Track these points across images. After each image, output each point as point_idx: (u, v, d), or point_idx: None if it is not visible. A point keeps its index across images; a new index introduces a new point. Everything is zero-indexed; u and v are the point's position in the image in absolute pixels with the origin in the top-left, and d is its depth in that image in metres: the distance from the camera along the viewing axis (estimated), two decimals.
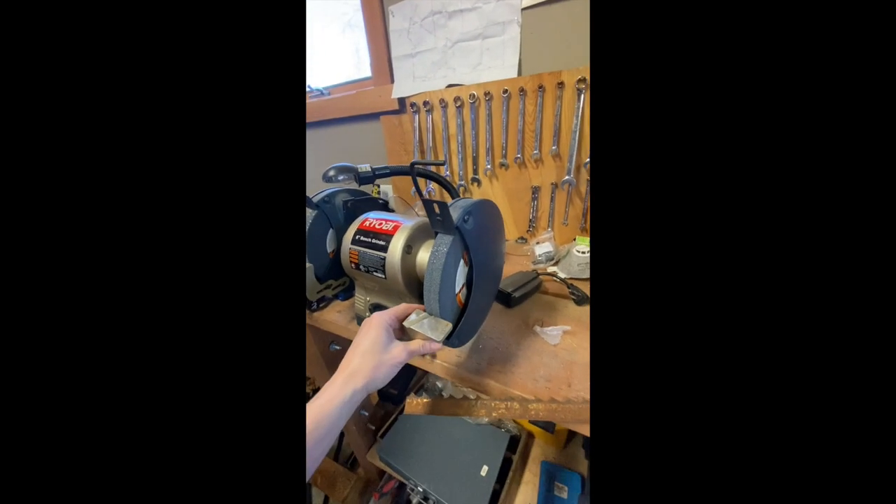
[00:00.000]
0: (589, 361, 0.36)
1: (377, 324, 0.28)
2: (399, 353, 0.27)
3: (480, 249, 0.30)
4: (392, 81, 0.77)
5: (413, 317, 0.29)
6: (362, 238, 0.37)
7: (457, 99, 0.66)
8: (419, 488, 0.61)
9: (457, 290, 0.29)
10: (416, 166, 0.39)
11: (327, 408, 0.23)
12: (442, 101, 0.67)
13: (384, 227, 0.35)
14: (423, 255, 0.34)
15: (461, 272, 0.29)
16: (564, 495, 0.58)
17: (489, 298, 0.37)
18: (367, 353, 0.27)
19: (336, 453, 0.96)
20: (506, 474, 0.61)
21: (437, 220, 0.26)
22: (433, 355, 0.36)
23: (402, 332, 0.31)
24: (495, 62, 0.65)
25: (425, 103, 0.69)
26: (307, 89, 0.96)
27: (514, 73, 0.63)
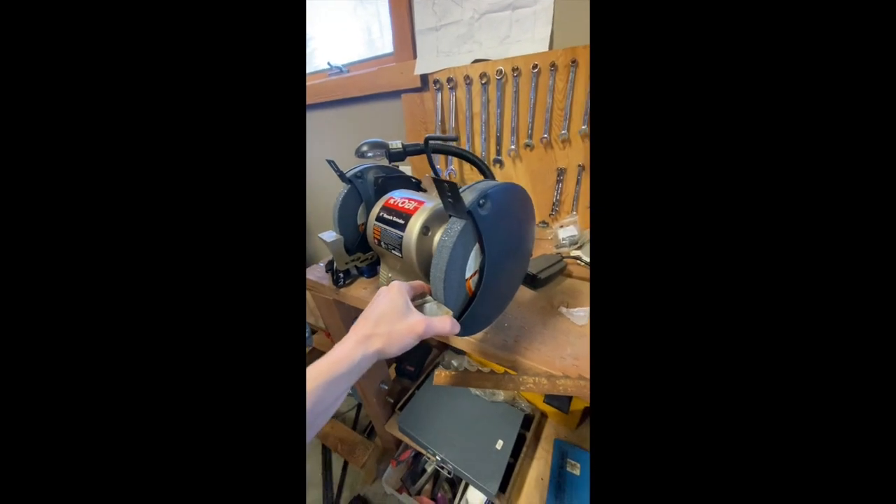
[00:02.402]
0: None
1: (398, 289, 0.26)
2: (418, 324, 0.24)
3: (498, 237, 0.27)
4: (415, 57, 0.75)
5: (419, 299, 0.28)
6: (385, 215, 0.37)
7: (482, 75, 0.63)
8: (437, 457, 0.64)
9: (467, 275, 0.27)
10: (430, 142, 0.38)
11: (335, 368, 0.22)
12: (467, 77, 0.65)
13: (406, 206, 0.35)
14: (439, 238, 0.33)
15: (474, 258, 0.27)
16: (577, 472, 0.60)
17: (509, 289, 0.35)
18: (383, 318, 0.24)
19: (354, 423, 1.02)
20: (520, 450, 0.64)
21: (448, 202, 0.24)
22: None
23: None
24: (525, 35, 0.62)
25: (449, 80, 0.67)
26: (327, 66, 0.94)
27: (545, 47, 0.59)
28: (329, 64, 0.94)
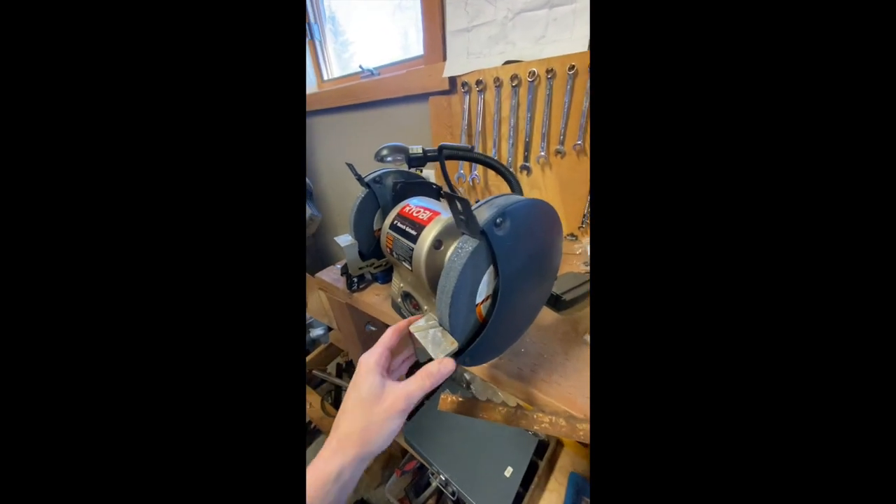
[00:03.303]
0: None
1: (364, 368, 0.23)
2: (397, 401, 0.21)
3: (516, 260, 0.24)
4: (444, 59, 0.73)
5: (422, 322, 0.25)
6: (399, 224, 0.35)
7: (514, 77, 0.60)
8: (441, 476, 0.61)
9: (478, 300, 0.24)
10: (444, 150, 0.35)
11: (310, 493, 0.19)
12: (497, 79, 0.62)
13: (420, 216, 0.33)
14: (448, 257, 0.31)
15: (487, 282, 0.24)
16: None
17: (528, 313, 0.31)
18: (355, 410, 0.21)
19: None
20: (530, 479, 0.59)
21: (459, 220, 0.21)
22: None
23: (402, 347, 0.27)
24: (562, 35, 0.57)
25: (478, 82, 0.65)
26: (359, 69, 0.96)
27: (583, 47, 0.55)
28: (361, 67, 0.96)
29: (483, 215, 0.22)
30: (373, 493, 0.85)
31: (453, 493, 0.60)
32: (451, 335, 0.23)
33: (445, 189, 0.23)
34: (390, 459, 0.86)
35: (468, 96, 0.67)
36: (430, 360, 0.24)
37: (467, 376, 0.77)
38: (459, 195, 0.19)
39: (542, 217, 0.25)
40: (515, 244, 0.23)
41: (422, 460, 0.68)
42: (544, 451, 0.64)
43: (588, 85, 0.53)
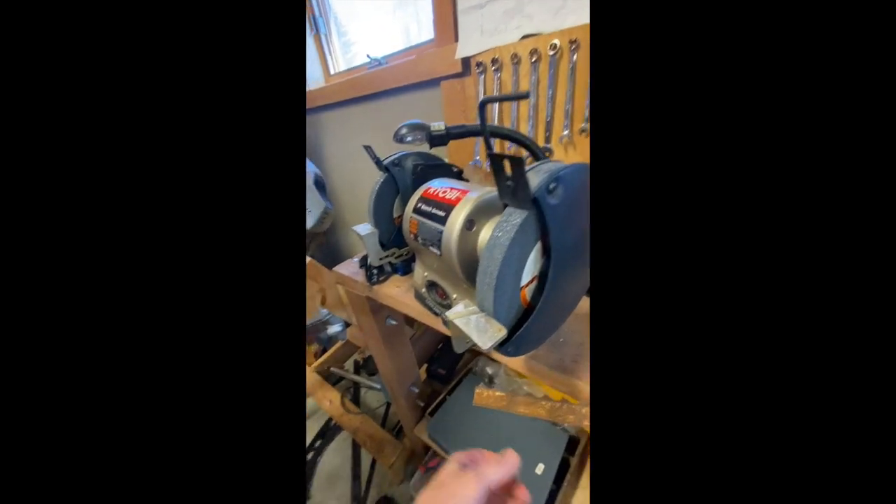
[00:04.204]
0: None
1: (471, 489, 0.19)
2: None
3: (568, 234, 0.21)
4: (456, 40, 0.70)
5: (459, 308, 0.22)
6: (423, 207, 0.32)
7: (533, 52, 0.56)
8: None
9: (523, 283, 0.21)
10: (485, 104, 0.32)
11: None
12: (514, 56, 0.58)
13: (447, 197, 0.30)
14: (486, 234, 0.27)
15: (533, 261, 0.21)
16: None
17: (572, 299, 0.28)
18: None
19: (383, 420, 1.01)
20: (563, 476, 0.56)
21: (506, 187, 0.18)
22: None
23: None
24: (584, 2, 0.53)
25: (494, 61, 0.61)
26: (366, 59, 0.93)
27: None
28: (368, 56, 0.93)
29: (533, 181, 0.19)
30: (396, 490, 0.84)
31: None
32: (496, 321, 0.21)
33: (488, 152, 0.19)
34: (413, 455, 0.85)
35: (483, 77, 0.64)
36: (468, 349, 0.22)
37: (490, 370, 0.75)
38: (514, 155, 0.16)
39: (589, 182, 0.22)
40: (570, 214, 0.20)
41: (446, 457, 0.66)
42: (576, 448, 0.61)
43: None
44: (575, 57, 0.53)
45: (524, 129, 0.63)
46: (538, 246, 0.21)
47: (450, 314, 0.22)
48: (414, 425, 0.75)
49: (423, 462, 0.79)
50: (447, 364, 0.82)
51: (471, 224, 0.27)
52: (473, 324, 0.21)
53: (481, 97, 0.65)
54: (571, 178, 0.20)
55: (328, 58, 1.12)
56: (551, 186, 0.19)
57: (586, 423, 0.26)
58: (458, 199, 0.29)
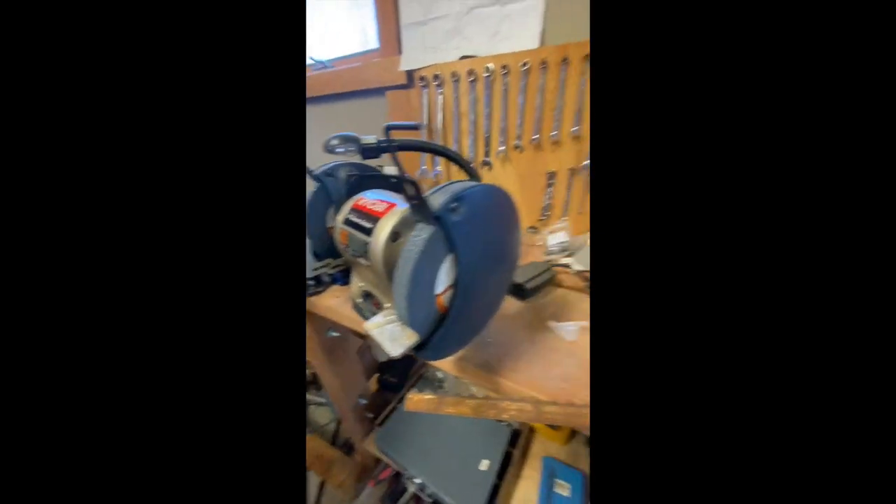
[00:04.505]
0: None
1: None
2: None
3: (475, 246, 0.23)
4: (400, 52, 0.71)
5: (379, 318, 0.23)
6: (353, 218, 0.33)
7: (470, 72, 0.60)
8: (416, 480, 0.59)
9: (438, 290, 0.23)
10: (390, 130, 0.34)
11: None
12: (454, 74, 0.62)
13: (375, 209, 0.31)
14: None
15: (447, 271, 0.23)
16: (566, 493, 0.56)
17: (491, 302, 0.31)
18: None
19: (333, 437, 0.96)
20: (506, 469, 0.60)
21: (413, 205, 0.20)
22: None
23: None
24: (515, 31, 0.59)
25: (436, 77, 0.64)
26: (308, 61, 0.90)
27: (535, 44, 0.57)
28: (312, 59, 0.90)
29: (437, 200, 0.21)
30: None
31: (430, 496, 0.59)
32: (411, 328, 0.22)
33: (394, 175, 0.21)
34: (364, 471, 0.82)
35: (426, 91, 0.66)
36: (391, 358, 0.23)
37: (440, 374, 0.76)
38: (412, 180, 0.18)
39: (497, 201, 0.25)
40: (473, 229, 0.22)
41: (396, 467, 0.65)
42: (518, 440, 0.65)
43: (541, 81, 0.55)
44: (507, 80, 0.58)
45: (466, 143, 0.67)
46: (450, 257, 0.23)
47: (367, 324, 0.23)
48: (363, 438, 0.73)
49: (373, 476, 0.77)
50: (399, 372, 0.82)
51: (396, 236, 0.29)
52: (388, 333, 0.22)
53: (426, 110, 0.68)
54: (474, 197, 0.22)
55: None
56: (453, 206, 0.21)
57: (505, 416, 0.29)
58: (385, 211, 0.30)
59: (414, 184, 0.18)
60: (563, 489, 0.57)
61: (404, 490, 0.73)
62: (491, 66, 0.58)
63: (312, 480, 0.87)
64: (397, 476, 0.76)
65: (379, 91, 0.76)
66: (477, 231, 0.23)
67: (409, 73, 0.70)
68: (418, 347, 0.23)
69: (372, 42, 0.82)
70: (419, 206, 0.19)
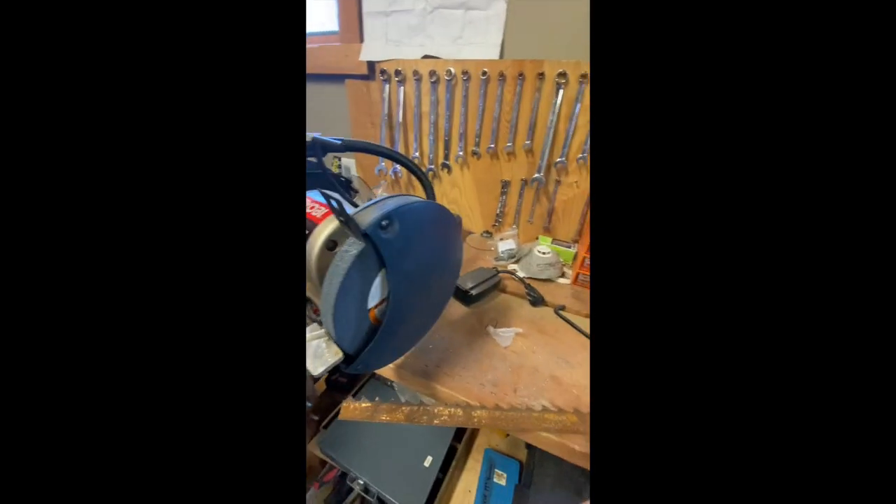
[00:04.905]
0: (539, 366, 0.35)
1: None
2: None
3: (410, 263, 0.23)
4: (361, 41, 0.68)
5: (308, 332, 0.23)
6: None
7: (432, 73, 0.60)
8: (360, 480, 0.59)
9: (371, 304, 0.23)
10: (317, 142, 0.33)
11: None
12: (416, 72, 0.61)
13: (313, 213, 0.29)
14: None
15: (381, 285, 0.23)
16: (503, 482, 0.61)
17: (428, 315, 0.31)
18: None
19: None
20: (449, 463, 0.62)
21: (341, 221, 0.20)
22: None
23: None
24: (477, 38, 0.60)
25: (397, 72, 0.62)
26: None
27: (495, 55, 0.58)
28: None
29: (368, 217, 0.21)
30: None
31: (374, 496, 0.59)
32: (338, 344, 0.22)
33: (320, 190, 0.20)
34: (309, 472, 0.79)
35: (388, 85, 0.64)
36: (314, 376, 0.22)
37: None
38: (340, 196, 0.18)
39: (435, 218, 0.26)
40: (407, 246, 0.23)
41: (341, 469, 0.64)
42: (462, 435, 0.68)
43: (499, 92, 0.57)
44: (468, 86, 0.59)
45: (426, 143, 0.66)
46: (383, 271, 0.23)
47: None
48: (308, 441, 0.70)
49: (318, 478, 0.75)
50: (349, 374, 0.80)
51: (332, 244, 0.28)
52: (313, 349, 0.21)
53: (386, 105, 0.66)
54: (408, 214, 0.22)
55: None
56: (384, 223, 0.21)
57: (437, 422, 0.30)
58: (323, 217, 0.29)
59: (338, 201, 0.18)
60: (500, 478, 0.62)
61: (350, 491, 0.72)
62: (452, 69, 0.58)
63: None
64: (343, 477, 0.75)
65: (337, 77, 0.72)
66: (410, 247, 0.23)
67: (371, 64, 0.67)
68: (348, 360, 0.23)
69: (331, 24, 0.77)
70: (347, 222, 0.19)
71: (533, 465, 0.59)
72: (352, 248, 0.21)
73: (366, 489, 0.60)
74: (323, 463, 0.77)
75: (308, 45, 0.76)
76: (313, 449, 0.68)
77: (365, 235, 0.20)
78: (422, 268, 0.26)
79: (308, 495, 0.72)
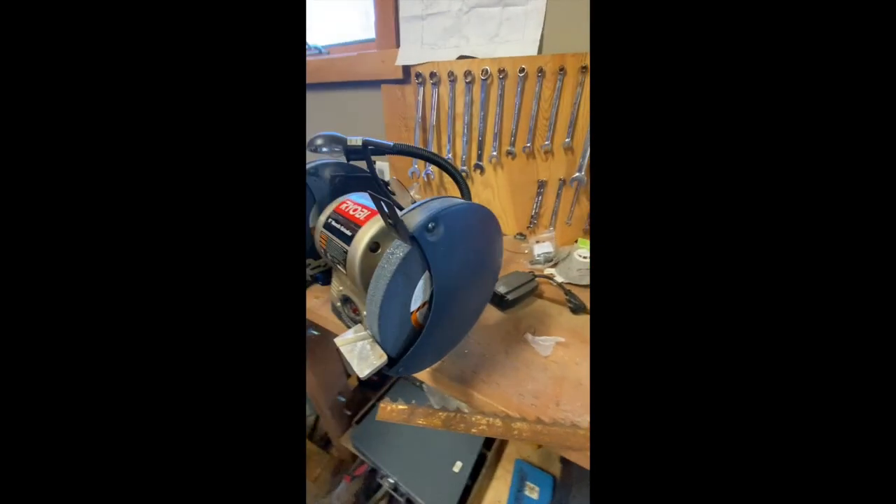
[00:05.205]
0: (582, 379, 0.33)
1: None
2: None
3: (453, 265, 0.23)
4: (398, 46, 0.69)
5: (349, 334, 0.23)
6: (333, 223, 0.32)
7: (467, 73, 0.59)
8: (390, 479, 0.60)
9: (413, 307, 0.23)
10: (368, 145, 0.33)
11: None
12: (451, 73, 0.61)
13: (357, 216, 0.30)
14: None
15: (423, 288, 0.23)
16: (535, 496, 0.58)
17: (467, 319, 0.31)
18: None
19: (311, 432, 0.96)
20: (479, 471, 0.61)
21: (389, 224, 0.20)
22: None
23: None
24: (514, 35, 0.58)
25: (432, 75, 0.63)
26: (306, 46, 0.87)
27: (534, 51, 0.56)
28: (307, 44, 0.87)
29: (414, 219, 0.20)
30: (321, 502, 0.80)
31: (402, 495, 0.60)
32: (382, 347, 0.22)
33: (369, 192, 0.20)
34: (340, 465, 0.82)
35: (422, 88, 0.65)
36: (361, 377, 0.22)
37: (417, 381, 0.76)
38: (394, 198, 0.18)
39: (478, 221, 0.25)
40: (450, 249, 0.22)
41: (371, 465, 0.66)
42: (492, 443, 0.66)
43: (537, 88, 0.55)
44: (504, 85, 0.58)
45: (459, 145, 0.66)
46: (427, 275, 0.23)
47: (338, 340, 0.22)
48: (340, 434, 0.73)
49: (349, 471, 0.77)
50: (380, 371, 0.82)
51: (375, 246, 0.28)
52: (357, 351, 0.21)
53: (420, 108, 0.66)
54: (453, 217, 0.22)
55: None
56: (430, 226, 0.20)
57: (474, 431, 0.29)
58: (366, 219, 0.30)
59: (389, 205, 0.18)
60: (532, 492, 0.59)
61: (378, 487, 0.74)
62: (488, 68, 0.57)
63: None
64: (373, 472, 0.77)
65: (374, 84, 0.74)
66: (454, 250, 0.23)
67: (406, 69, 0.68)
68: (390, 363, 0.23)
69: (369, 31, 0.79)
70: (395, 225, 0.19)
71: (571, 484, 0.55)
72: (398, 250, 0.20)
73: (395, 488, 0.60)
74: (354, 457, 0.79)
75: (346, 54, 0.79)
76: (346, 443, 0.70)
77: (412, 238, 0.20)
78: (464, 271, 0.25)
79: (340, 488, 0.75)
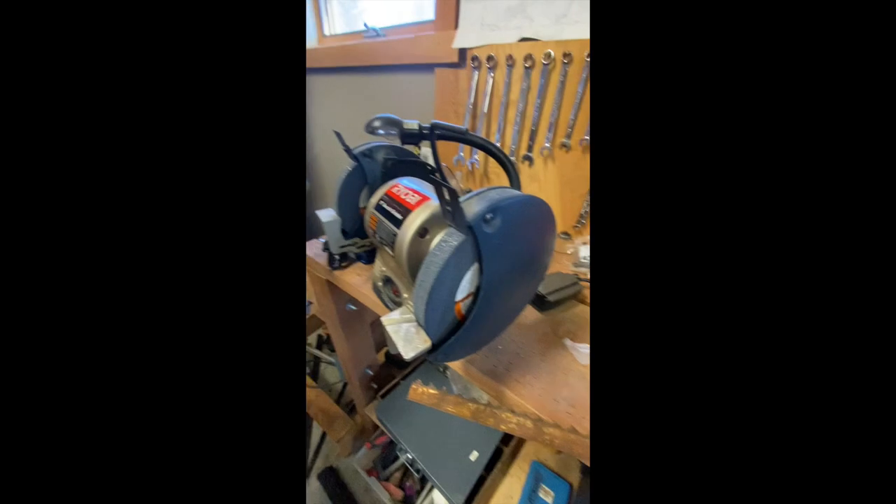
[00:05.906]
0: None
1: None
2: None
3: (503, 259, 0.22)
4: (456, 28, 0.67)
5: (395, 314, 0.23)
6: (384, 205, 0.32)
7: (527, 57, 0.56)
8: (409, 455, 0.63)
9: (458, 297, 0.22)
10: (436, 129, 0.32)
11: None
12: (509, 57, 0.58)
13: (408, 200, 0.30)
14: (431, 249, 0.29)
15: (471, 279, 0.22)
16: (550, 500, 0.57)
17: (508, 316, 0.30)
18: None
19: (339, 395, 1.04)
20: (494, 464, 0.61)
21: (446, 210, 0.19)
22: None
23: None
24: (585, 15, 0.53)
25: (489, 58, 0.60)
26: (363, 27, 0.88)
27: None
28: (365, 25, 0.88)
29: (472, 208, 0.20)
30: (342, 462, 0.87)
31: (418, 471, 0.62)
32: (426, 332, 0.22)
33: (431, 176, 0.20)
34: (363, 432, 0.88)
35: (477, 72, 0.62)
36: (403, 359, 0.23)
37: (440, 367, 0.78)
38: (450, 184, 0.17)
39: (535, 215, 0.23)
40: (504, 242, 0.21)
41: (391, 437, 0.69)
42: (510, 439, 0.66)
43: None
44: (567, 71, 0.53)
45: (510, 134, 0.63)
46: (475, 266, 0.22)
47: (384, 319, 0.23)
48: (365, 404, 0.77)
49: (370, 439, 0.82)
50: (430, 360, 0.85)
51: (424, 232, 0.28)
52: (403, 332, 0.22)
53: (472, 93, 0.64)
54: (511, 209, 0.21)
55: (324, 17, 1.04)
56: (488, 216, 0.20)
57: (503, 427, 0.29)
58: (417, 204, 0.30)
59: (452, 191, 0.17)
60: (547, 496, 0.58)
61: (396, 458, 0.78)
62: (552, 52, 0.53)
63: (316, 431, 0.95)
64: (391, 444, 0.81)
65: (428, 67, 0.73)
66: (508, 244, 0.22)
67: (462, 52, 0.66)
68: (430, 350, 0.23)
69: (428, 12, 0.78)
70: (453, 213, 0.18)
71: (590, 497, 0.53)
72: (452, 238, 0.20)
73: (412, 463, 0.63)
74: (375, 427, 0.84)
75: (402, 36, 0.79)
76: (370, 413, 0.75)
77: (468, 228, 0.19)
78: (513, 266, 0.24)
79: (361, 453, 0.81)
